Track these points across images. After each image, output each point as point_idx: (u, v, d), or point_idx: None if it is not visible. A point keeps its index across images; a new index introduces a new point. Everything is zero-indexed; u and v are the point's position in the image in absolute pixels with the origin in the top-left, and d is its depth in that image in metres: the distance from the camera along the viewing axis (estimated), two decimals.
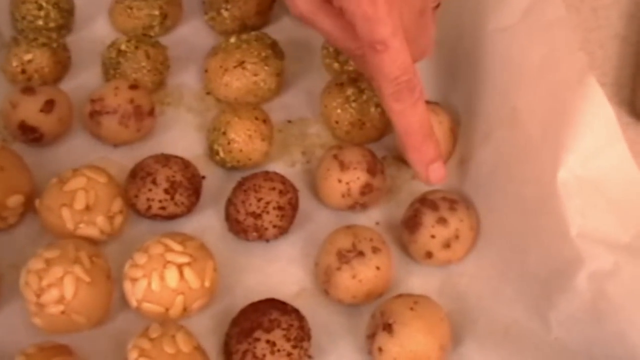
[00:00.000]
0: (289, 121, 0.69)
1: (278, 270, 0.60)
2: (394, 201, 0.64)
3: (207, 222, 0.62)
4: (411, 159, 0.55)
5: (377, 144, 0.66)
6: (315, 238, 0.60)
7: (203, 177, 0.64)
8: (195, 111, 0.70)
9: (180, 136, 0.67)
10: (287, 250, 0.61)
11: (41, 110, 0.65)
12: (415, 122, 0.53)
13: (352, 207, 0.62)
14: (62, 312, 0.54)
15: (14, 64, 0.69)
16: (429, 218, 0.58)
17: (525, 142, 0.56)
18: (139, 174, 0.61)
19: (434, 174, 0.55)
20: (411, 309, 0.52)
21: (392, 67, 0.49)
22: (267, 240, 0.61)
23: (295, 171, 0.65)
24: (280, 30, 0.74)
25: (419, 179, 0.58)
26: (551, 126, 0.53)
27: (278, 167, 0.65)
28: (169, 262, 0.55)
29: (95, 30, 0.75)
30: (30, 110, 0.64)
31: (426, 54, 0.57)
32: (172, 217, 0.61)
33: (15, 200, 0.60)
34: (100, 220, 0.59)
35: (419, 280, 0.59)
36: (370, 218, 0.62)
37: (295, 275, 0.59)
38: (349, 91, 0.65)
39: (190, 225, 0.62)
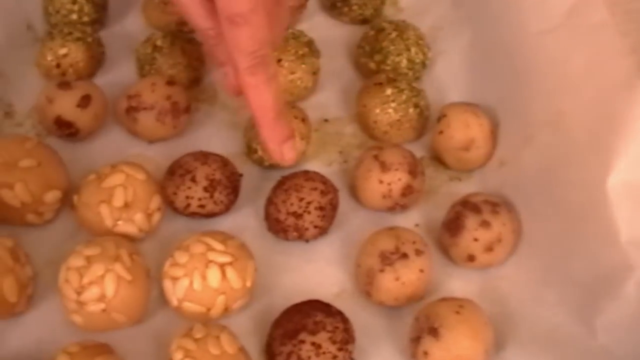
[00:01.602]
0: (325, 120, 0.68)
1: (317, 270, 0.59)
2: (432, 203, 0.63)
3: (245, 221, 0.61)
4: (265, 137, 0.53)
5: (414, 145, 0.65)
6: (354, 239, 0.59)
7: (240, 175, 0.62)
8: (229, 109, 0.68)
9: (215, 134, 0.66)
10: (326, 251, 0.60)
11: (77, 106, 0.63)
12: (269, 99, 0.51)
13: (391, 209, 0.61)
14: (103, 310, 0.53)
15: (49, 58, 0.68)
16: (471, 221, 0.57)
17: (571, 146, 0.54)
18: (177, 171, 0.60)
19: (288, 153, 0.54)
20: (457, 312, 0.51)
21: (250, 41, 0.48)
22: (307, 241, 0.59)
23: (332, 171, 0.64)
24: (313, 28, 0.72)
25: (272, 158, 0.56)
26: (599, 130, 0.52)
27: (315, 166, 0.64)
28: (211, 261, 0.54)
29: (128, 25, 0.74)
30: (66, 105, 0.63)
31: (275, 46, 0.56)
32: (210, 215, 0.60)
33: (52, 196, 0.59)
34: (139, 217, 0.58)
35: (459, 284, 0.58)
36: (409, 220, 0.61)
37: (335, 276, 0.58)
38: (389, 91, 0.64)
39: (228, 224, 0.60)
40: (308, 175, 0.59)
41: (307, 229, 0.58)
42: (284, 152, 0.55)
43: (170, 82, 0.64)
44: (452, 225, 0.57)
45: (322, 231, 0.59)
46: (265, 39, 0.49)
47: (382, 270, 0.54)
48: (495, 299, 0.56)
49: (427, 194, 0.63)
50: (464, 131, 0.61)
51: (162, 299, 0.55)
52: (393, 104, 0.64)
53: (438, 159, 0.64)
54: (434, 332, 0.51)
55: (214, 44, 0.55)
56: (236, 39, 0.49)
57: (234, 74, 0.54)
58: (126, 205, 0.57)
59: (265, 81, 0.52)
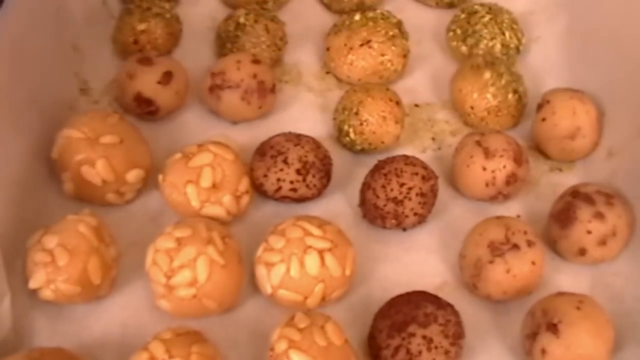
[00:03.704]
0: (416, 105, 0.65)
1: (416, 261, 0.55)
2: (533, 193, 0.59)
3: (337, 207, 0.58)
4: None
5: (510, 133, 0.61)
6: (454, 228, 0.56)
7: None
8: (315, 91, 0.65)
9: (301, 116, 0.63)
10: (425, 240, 0.57)
11: (159, 82, 0.60)
12: None
13: (494, 198, 0.57)
14: (194, 296, 0.50)
15: (127, 33, 0.65)
16: (584, 212, 0.53)
17: None
18: (268, 152, 0.57)
19: None
20: (577, 308, 0.47)
21: None
22: (404, 229, 0.56)
23: (426, 157, 0.60)
24: (398, 10, 0.69)
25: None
26: None
27: (408, 152, 0.60)
28: (309, 247, 0.50)
29: (204, 2, 0.71)
30: (147, 81, 0.60)
31: None
32: (301, 199, 0.57)
33: (135, 175, 0.56)
34: (227, 199, 0.55)
35: (568, 279, 0.54)
36: (511, 210, 0.58)
37: (436, 267, 0.55)
38: (487, 75, 0.61)
39: (319, 209, 0.57)
40: (408, 159, 0.56)
41: (406, 216, 0.55)
42: None
43: (256, 60, 0.61)
44: (563, 216, 0.54)
45: (422, 219, 0.56)
46: None
47: (491, 262, 0.51)
48: (610, 297, 0.53)
49: (528, 185, 0.59)
50: (570, 118, 0.58)
51: (253, 286, 0.53)
52: (492, 89, 0.61)
53: (537, 148, 0.61)
54: (553, 328, 0.47)
55: None
56: None
57: None
58: (214, 187, 0.54)
59: None
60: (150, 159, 0.58)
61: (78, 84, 0.63)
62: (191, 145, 0.56)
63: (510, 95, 0.61)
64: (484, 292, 0.52)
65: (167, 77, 0.61)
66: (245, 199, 0.56)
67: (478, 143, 0.57)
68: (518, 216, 0.58)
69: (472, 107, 0.61)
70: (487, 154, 0.56)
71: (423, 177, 0.55)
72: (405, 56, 0.65)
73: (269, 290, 0.51)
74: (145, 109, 0.61)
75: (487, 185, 0.56)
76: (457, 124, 0.63)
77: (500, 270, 0.51)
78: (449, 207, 0.58)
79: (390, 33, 0.64)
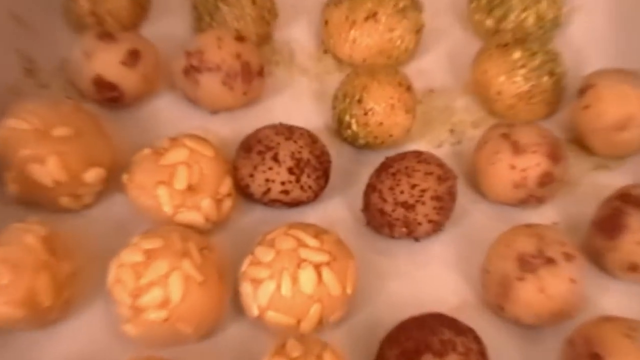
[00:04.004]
0: (431, 91, 0.66)
1: (431, 276, 0.57)
2: (573, 197, 0.61)
3: (337, 212, 0.60)
4: None
5: (545, 124, 0.62)
6: (475, 239, 0.58)
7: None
8: (310, 74, 0.67)
9: (295, 104, 0.65)
10: (440, 252, 0.58)
11: (123, 63, 0.62)
12: None
13: (524, 202, 0.59)
14: (166, 320, 0.51)
15: (83, 3, 0.66)
16: (636, 220, 0.54)
17: None
18: (255, 147, 0.58)
19: None
20: (627, 336, 0.49)
21: None
22: (417, 239, 0.58)
23: (443, 153, 0.62)
24: None
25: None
26: None
27: (421, 147, 0.62)
28: (303, 260, 0.52)
29: None
30: (109, 62, 0.62)
31: None
32: (295, 203, 0.58)
33: (94, 175, 0.58)
34: (206, 203, 0.56)
35: (616, 300, 0.56)
36: (545, 216, 0.59)
37: (453, 283, 0.57)
38: (517, 54, 0.62)
39: (315, 215, 0.59)
40: (421, 156, 0.57)
41: (419, 223, 0.56)
42: None
43: (240, 38, 0.63)
44: (609, 224, 0.55)
45: (437, 227, 0.57)
46: None
47: (521, 279, 0.52)
48: None
49: (566, 186, 0.61)
50: (619, 106, 0.59)
51: (237, 307, 0.54)
52: (522, 71, 0.62)
53: (579, 142, 0.62)
54: None
55: None
56: None
57: None
58: (190, 189, 0.56)
59: None
60: (112, 156, 0.59)
61: (22, 63, 0.64)
62: (163, 138, 0.57)
63: (545, 78, 0.62)
64: (512, 314, 0.53)
65: (132, 57, 0.62)
66: (227, 203, 0.57)
67: (505, 136, 0.58)
68: (554, 224, 0.59)
69: (498, 93, 0.63)
70: (517, 149, 0.57)
71: (439, 178, 0.56)
72: (418, 32, 0.66)
73: (255, 311, 0.52)
74: (106, 95, 0.62)
75: (516, 186, 0.58)
76: (481, 113, 0.65)
77: (532, 289, 0.52)
78: (469, 213, 0.60)
79: (401, 4, 0.65)
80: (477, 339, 0.50)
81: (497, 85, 0.62)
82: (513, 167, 0.57)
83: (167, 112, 0.63)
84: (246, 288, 0.52)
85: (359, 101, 0.60)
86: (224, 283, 0.54)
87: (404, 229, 0.56)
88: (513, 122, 0.59)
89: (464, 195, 0.60)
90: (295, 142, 0.58)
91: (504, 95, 0.62)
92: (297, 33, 0.68)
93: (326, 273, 0.52)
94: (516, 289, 0.52)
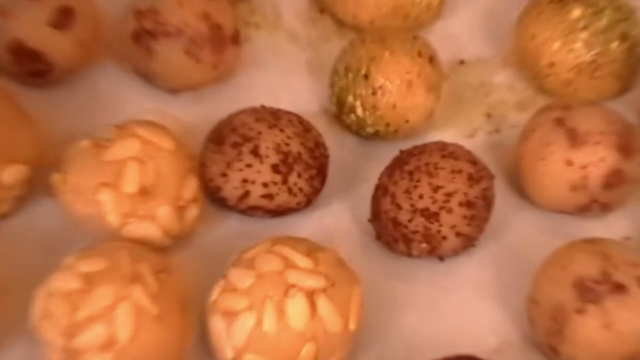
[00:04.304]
0: (461, 62, 0.67)
1: (460, 307, 0.57)
2: None
3: (335, 222, 0.60)
4: None
5: (613, 105, 0.62)
6: (518, 257, 0.58)
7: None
8: (302, 41, 0.68)
9: (280, 81, 0.66)
10: (473, 275, 0.58)
11: (50, 24, 0.61)
12: None
13: (584, 209, 0.59)
14: None
15: None
16: None
17: None
18: (229, 138, 0.58)
19: None
20: None
21: None
22: (441, 258, 0.58)
23: (476, 145, 0.62)
24: None
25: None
26: None
27: (448, 136, 0.62)
28: (293, 286, 0.52)
29: None
30: (31, 23, 0.61)
31: None
32: (281, 211, 0.59)
33: (13, 174, 0.57)
34: (164, 212, 0.56)
35: None
36: (612, 229, 0.60)
37: (490, 317, 0.57)
38: (577, 12, 0.63)
39: (308, 226, 0.59)
40: (446, 149, 0.57)
41: (444, 237, 0.56)
42: None
43: None
44: None
45: (468, 243, 0.57)
46: None
47: (580, 311, 0.52)
48: None
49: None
50: None
51: (205, 348, 0.54)
52: (584, 35, 0.62)
53: None
54: None
55: None
56: None
57: None
58: (143, 193, 0.56)
59: None
60: (37, 149, 0.59)
61: None
62: (106, 126, 0.57)
63: (614, 45, 0.63)
64: (570, 357, 0.53)
65: (64, 17, 0.62)
66: (192, 212, 0.57)
67: (560, 122, 0.58)
68: (625, 239, 0.59)
69: (551, 64, 0.63)
70: (575, 139, 0.57)
71: (470, 177, 0.56)
72: None
73: (229, 354, 0.52)
74: (28, 68, 0.62)
75: (573, 189, 0.58)
76: (528, 91, 0.65)
77: (595, 325, 0.52)
78: (511, 224, 0.60)
79: None
80: None
81: (550, 55, 0.63)
82: (570, 164, 0.57)
83: (111, 91, 0.64)
84: (217, 323, 0.53)
85: (366, 77, 0.60)
86: (188, 317, 0.54)
87: (424, 245, 0.57)
88: (570, 103, 0.59)
89: (503, 201, 0.60)
90: (281, 130, 0.58)
91: (559, 68, 0.63)
92: None
93: (322, 303, 0.52)
94: (574, 324, 0.52)
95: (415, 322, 0.56)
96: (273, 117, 0.58)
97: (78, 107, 0.63)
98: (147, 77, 0.63)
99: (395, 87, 0.60)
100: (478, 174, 0.57)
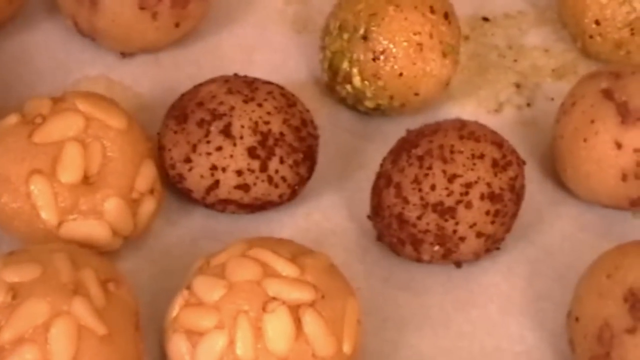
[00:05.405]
0: (484, 19, 0.68)
1: (481, 323, 0.58)
2: None
3: (327, 219, 0.61)
4: None
5: None
6: (555, 263, 0.59)
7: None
8: None
9: (257, 42, 0.67)
10: (497, 285, 0.59)
11: None
12: None
13: (638, 203, 0.59)
14: None
15: None
16: None
17: None
18: (194, 114, 0.58)
19: None
20: None
21: None
22: (459, 263, 0.58)
23: (502, 123, 0.63)
24: None
25: None
26: None
27: (466, 114, 0.63)
28: (273, 299, 0.52)
29: None
30: None
31: None
32: (259, 205, 0.59)
33: None
34: (113, 206, 0.57)
35: None
36: None
37: (519, 337, 0.57)
38: None
39: (292, 224, 0.60)
40: (465, 128, 0.57)
41: (462, 238, 0.56)
42: None
43: None
44: None
45: (491, 245, 0.58)
46: None
47: (632, 330, 0.52)
48: None
49: None
50: None
51: None
52: None
53: None
54: None
55: None
56: None
57: None
58: (87, 182, 0.57)
59: None
60: None
61: None
62: (39, 98, 0.58)
63: None
64: None
65: None
66: (148, 206, 0.58)
67: (607, 94, 0.59)
68: None
69: (597, 22, 0.64)
70: (626, 115, 0.58)
71: (494, 163, 0.57)
72: None
73: None
74: None
75: (624, 177, 0.58)
76: (568, 55, 0.66)
77: None
78: (546, 222, 0.61)
79: None
80: None
81: (596, 9, 0.64)
82: (620, 146, 0.58)
83: (45, 52, 0.65)
84: (179, 345, 0.53)
85: (365, 38, 0.61)
86: (142, 337, 0.54)
87: (437, 248, 0.57)
88: (621, 71, 0.60)
89: (537, 192, 0.61)
90: (259, 105, 0.58)
91: (607, 26, 0.64)
92: None
93: (309, 320, 0.52)
94: (624, 345, 0.53)
95: (425, 343, 0.57)
96: (249, 88, 0.59)
97: (4, 72, 0.64)
98: (91, 36, 0.64)
99: (401, 51, 0.60)
100: (504, 159, 0.57)
